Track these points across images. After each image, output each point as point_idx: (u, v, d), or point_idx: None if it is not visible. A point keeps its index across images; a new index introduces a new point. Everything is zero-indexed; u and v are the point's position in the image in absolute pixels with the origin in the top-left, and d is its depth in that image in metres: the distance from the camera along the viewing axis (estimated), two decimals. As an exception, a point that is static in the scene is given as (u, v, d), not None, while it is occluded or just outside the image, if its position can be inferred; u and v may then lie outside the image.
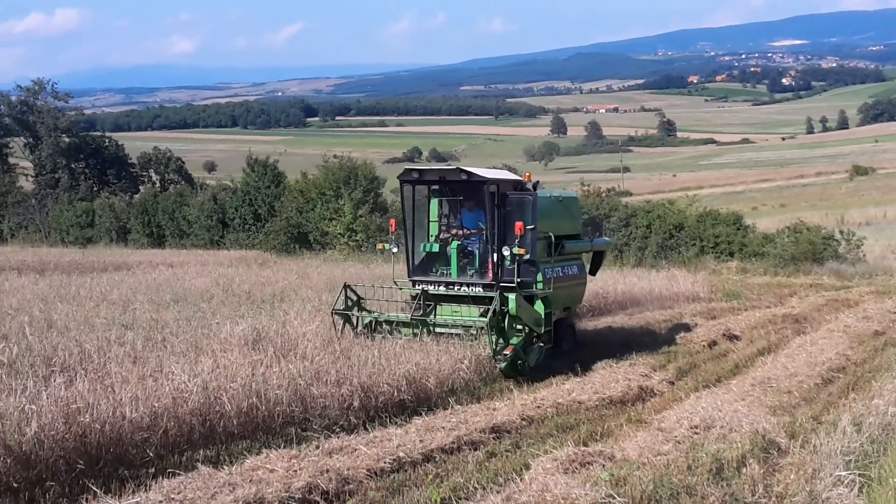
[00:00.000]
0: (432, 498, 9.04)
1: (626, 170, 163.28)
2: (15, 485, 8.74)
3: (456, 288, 17.27)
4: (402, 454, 10.61)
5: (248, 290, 24.11)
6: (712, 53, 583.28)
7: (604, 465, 9.76)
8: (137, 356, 13.35)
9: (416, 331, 16.48)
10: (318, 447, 10.61)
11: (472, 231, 17.75)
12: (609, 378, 16.08)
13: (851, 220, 61.35)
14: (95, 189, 71.95)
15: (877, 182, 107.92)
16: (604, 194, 56.30)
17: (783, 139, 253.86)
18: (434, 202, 18.27)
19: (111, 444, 9.76)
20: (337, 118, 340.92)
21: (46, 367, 12.30)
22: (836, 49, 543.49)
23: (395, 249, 17.95)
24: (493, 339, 15.87)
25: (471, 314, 16.91)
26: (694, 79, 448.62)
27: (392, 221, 19.34)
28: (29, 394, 9.98)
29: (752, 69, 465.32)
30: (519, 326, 16.58)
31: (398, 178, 17.87)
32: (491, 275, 16.92)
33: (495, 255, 16.86)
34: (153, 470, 9.69)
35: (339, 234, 46.44)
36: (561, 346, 18.42)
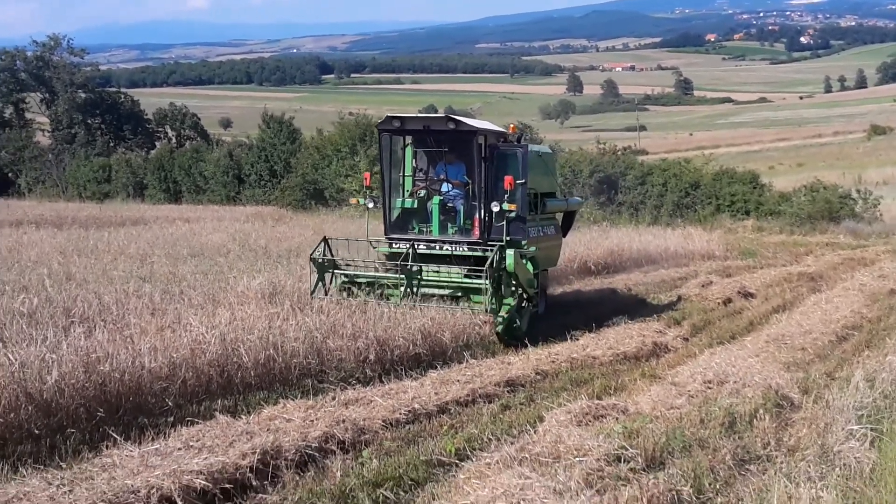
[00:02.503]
0: (447, 448, 9.11)
1: (643, 128, 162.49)
2: (36, 431, 8.84)
3: (438, 246, 16.02)
4: (417, 406, 10.67)
5: (264, 246, 24.23)
6: (730, 11, 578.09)
7: (617, 418, 9.81)
8: (156, 308, 13.45)
9: (397, 291, 15.32)
10: (334, 398, 10.69)
11: (446, 180, 16.54)
12: (623, 334, 16.08)
13: (869, 180, 61.04)
14: (112, 145, 72.00)
15: (894, 142, 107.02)
16: (619, 153, 56.11)
17: (801, 98, 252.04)
18: (409, 153, 17.02)
19: (130, 392, 9.84)
20: (352, 75, 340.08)
21: (66, 317, 12.44)
22: (855, 7, 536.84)
23: (370, 205, 16.68)
24: (490, 296, 14.92)
25: (451, 274, 15.77)
26: (711, 37, 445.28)
27: (366, 175, 18.24)
28: (49, 343, 10.07)
29: (770, 27, 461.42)
30: (513, 287, 15.64)
31: (377, 126, 16.71)
32: (477, 232, 15.86)
33: (482, 211, 15.77)
34: (172, 418, 9.76)
35: (355, 190, 46.51)
36: (539, 310, 17.59)
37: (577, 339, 15.53)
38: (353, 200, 19.43)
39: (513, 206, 15.42)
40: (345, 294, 15.49)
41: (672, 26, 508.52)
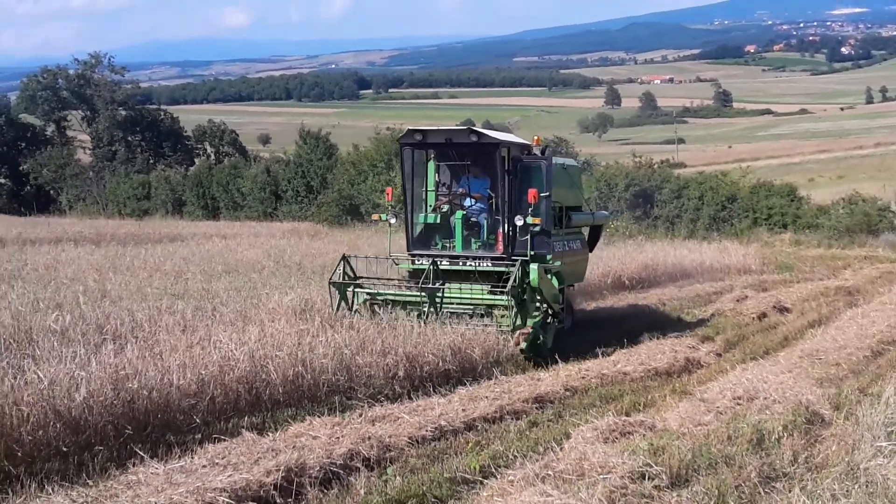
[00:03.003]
0: (471, 465, 9.10)
1: (681, 141, 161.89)
2: (64, 449, 8.91)
3: (461, 262, 15.69)
4: (443, 422, 10.67)
5: (298, 262, 24.33)
6: (770, 22, 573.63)
7: (644, 435, 9.74)
8: (187, 325, 13.52)
9: (422, 309, 14.95)
10: (361, 415, 10.71)
11: (468, 194, 16.25)
12: (656, 350, 16.02)
13: (910, 192, 60.39)
14: (151, 161, 72.79)
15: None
16: (655, 166, 55.89)
17: (842, 109, 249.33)
18: (431, 168, 16.68)
19: (158, 409, 9.91)
20: (390, 90, 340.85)
21: (98, 335, 12.53)
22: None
23: (392, 221, 16.56)
24: (514, 313, 14.71)
25: (477, 291, 15.45)
26: (751, 48, 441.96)
27: (388, 190, 18.26)
28: (79, 360, 10.17)
29: (810, 38, 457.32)
30: (537, 303, 15.43)
31: (398, 140, 16.47)
32: (501, 247, 15.59)
33: (506, 225, 15.50)
34: (199, 436, 9.83)
35: (391, 205, 46.59)
36: (565, 326, 17.21)
37: (609, 355, 15.48)
38: (374, 217, 19.29)
39: (537, 220, 15.20)
40: (367, 311, 15.40)
41: (711, 38, 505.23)
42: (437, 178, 16.76)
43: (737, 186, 47.90)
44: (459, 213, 16.06)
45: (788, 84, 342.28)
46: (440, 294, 15.18)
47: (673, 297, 23.71)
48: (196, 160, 74.65)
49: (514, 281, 14.63)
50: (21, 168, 72.41)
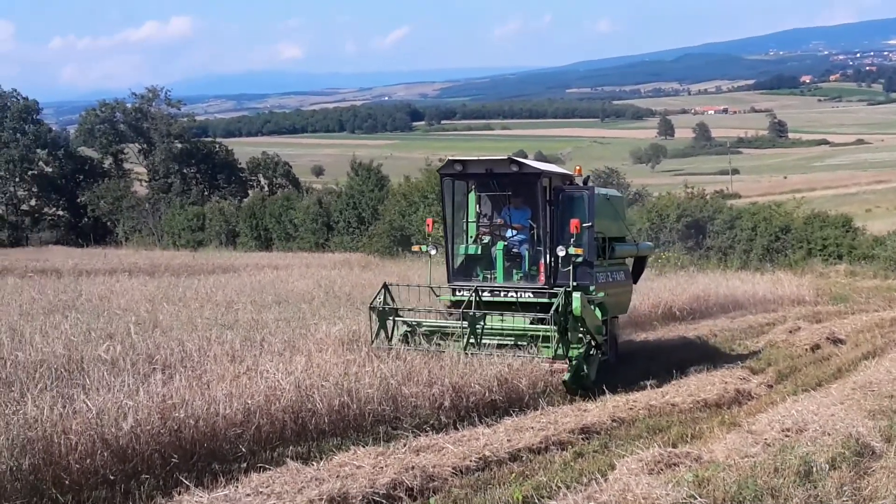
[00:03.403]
0: (514, 496, 9.07)
1: (735, 172, 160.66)
2: (111, 477, 9.03)
3: (502, 294, 15.52)
4: (488, 453, 10.65)
5: (348, 293, 24.41)
6: (826, 52, 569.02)
7: (689, 467, 9.65)
8: (235, 355, 13.64)
9: (466, 341, 14.60)
10: (405, 445, 10.70)
11: (509, 225, 16.11)
12: (705, 381, 15.85)
13: (968, 222, 59.56)
14: (206, 193, 73.73)
15: None
16: (708, 196, 55.54)
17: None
18: (472, 198, 16.57)
19: (204, 438, 10.01)
20: (442, 122, 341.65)
21: (148, 364, 12.70)
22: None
23: (433, 252, 16.60)
24: (556, 341, 14.49)
25: (515, 321, 15.24)
26: (807, 79, 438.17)
27: (429, 221, 18.09)
28: (127, 390, 10.32)
29: (867, 68, 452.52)
30: (580, 333, 15.02)
31: (438, 171, 16.29)
32: (543, 278, 15.42)
33: (548, 255, 15.37)
34: (244, 465, 9.90)
35: (442, 236, 46.69)
36: (609, 359, 16.81)
37: (658, 387, 15.36)
38: (415, 248, 19.15)
39: (579, 251, 15.03)
40: (406, 343, 15.21)
41: (766, 68, 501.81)
42: (478, 209, 16.63)
43: (791, 217, 47.49)
44: (500, 244, 15.92)
45: (845, 114, 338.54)
46: (481, 323, 14.95)
47: (724, 329, 23.53)
48: (249, 192, 75.50)
49: (558, 308, 14.40)
50: (79, 200, 73.74)
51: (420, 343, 15.10)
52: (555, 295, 14.85)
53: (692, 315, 25.32)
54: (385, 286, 15.77)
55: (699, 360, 18.28)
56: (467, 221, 16.59)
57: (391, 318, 15.60)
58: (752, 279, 33.27)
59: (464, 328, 14.75)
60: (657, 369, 16.79)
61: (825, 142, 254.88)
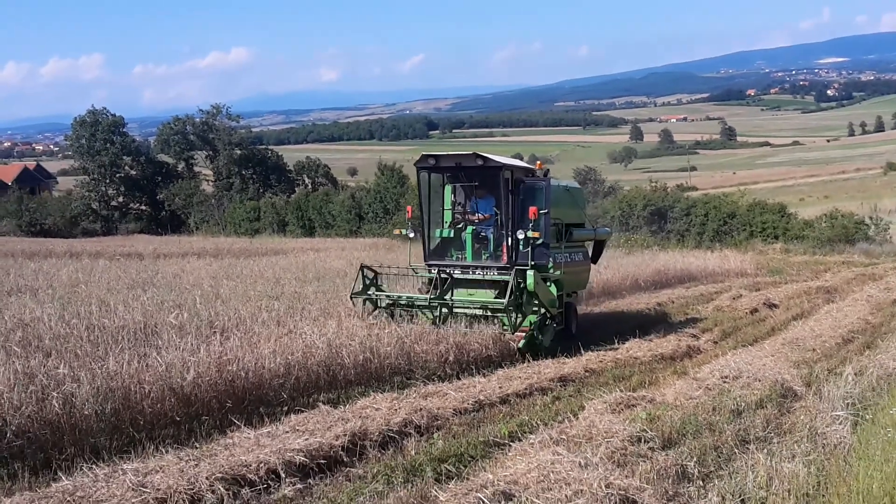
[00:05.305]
0: (501, 431, 9.14)
1: (693, 169, 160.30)
2: (177, 418, 9.15)
3: (471, 271, 15.02)
4: (482, 397, 10.73)
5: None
6: (767, 70, 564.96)
7: (644, 407, 9.72)
8: (280, 320, 13.69)
9: (435, 314, 14.31)
10: (416, 392, 10.81)
11: (487, 216, 15.47)
12: (663, 339, 15.95)
13: (884, 208, 59.75)
14: (261, 191, 73.64)
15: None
16: (669, 189, 55.49)
17: (828, 141, 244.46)
18: (448, 189, 15.99)
19: (253, 387, 10.09)
20: (454, 131, 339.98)
21: (209, 328, 12.78)
22: (874, 65, 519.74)
23: (411, 235, 16.21)
24: (513, 317, 13.98)
25: (485, 296, 14.75)
26: (751, 92, 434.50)
27: (409, 208, 17.59)
28: (191, 349, 10.41)
29: (801, 83, 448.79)
30: (535, 306, 14.46)
31: (415, 164, 15.47)
32: (505, 258, 14.88)
33: (510, 238, 14.87)
34: (285, 408, 10.01)
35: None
36: (570, 329, 16.38)
37: (624, 343, 15.38)
38: (395, 231, 18.82)
39: (536, 234, 14.67)
40: (386, 314, 14.78)
41: (718, 84, 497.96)
42: (453, 198, 16.14)
43: (736, 205, 47.28)
44: (469, 228, 15.51)
45: (783, 121, 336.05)
46: (450, 299, 14.45)
47: (680, 297, 23.50)
48: (296, 189, 75.30)
49: (511, 290, 13.87)
50: (158, 197, 74.01)
51: (399, 315, 14.72)
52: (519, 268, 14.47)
53: (654, 286, 25.30)
54: (362, 267, 15.36)
55: (659, 322, 18.31)
56: (443, 209, 16.05)
57: (372, 290, 15.18)
58: (704, 256, 33.17)
59: (432, 303, 14.35)
60: (624, 330, 16.80)
61: (767, 144, 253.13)
